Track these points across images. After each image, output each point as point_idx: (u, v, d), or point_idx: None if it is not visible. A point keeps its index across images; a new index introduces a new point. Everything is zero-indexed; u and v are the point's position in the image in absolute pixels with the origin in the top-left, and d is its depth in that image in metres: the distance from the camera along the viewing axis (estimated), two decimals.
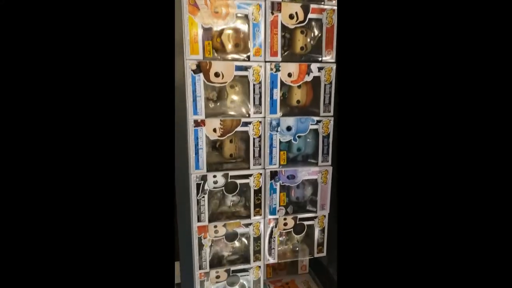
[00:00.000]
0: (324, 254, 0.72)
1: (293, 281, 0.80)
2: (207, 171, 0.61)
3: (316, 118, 0.64)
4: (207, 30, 0.57)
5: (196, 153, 0.60)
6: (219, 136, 0.61)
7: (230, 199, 0.66)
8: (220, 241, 0.68)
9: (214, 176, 0.61)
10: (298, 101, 0.65)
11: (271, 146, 0.64)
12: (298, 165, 0.68)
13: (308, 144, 0.68)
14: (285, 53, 0.63)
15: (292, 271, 0.85)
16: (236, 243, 0.68)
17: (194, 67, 0.56)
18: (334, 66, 0.63)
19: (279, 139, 0.64)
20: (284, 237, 0.73)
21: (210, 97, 0.62)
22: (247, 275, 0.68)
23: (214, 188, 0.62)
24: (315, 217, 0.69)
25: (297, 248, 0.74)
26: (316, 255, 0.72)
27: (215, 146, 0.65)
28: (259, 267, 0.68)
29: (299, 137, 0.65)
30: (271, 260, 0.69)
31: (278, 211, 0.67)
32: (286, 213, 0.68)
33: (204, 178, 0.61)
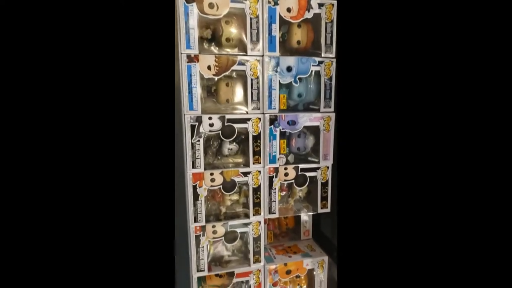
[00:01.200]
0: (328, 209, 0.68)
1: (295, 245, 0.76)
2: (202, 113, 0.57)
3: (317, 59, 0.61)
4: None
5: (190, 92, 0.56)
6: (214, 75, 0.57)
7: (228, 147, 0.62)
8: (216, 193, 0.64)
9: (210, 118, 0.57)
10: (298, 42, 0.61)
11: (270, 88, 0.60)
12: (299, 110, 0.64)
13: (309, 90, 0.64)
14: None
15: (294, 237, 0.81)
16: (234, 196, 0.64)
17: None
18: (335, 3, 0.60)
19: (279, 81, 0.60)
20: (285, 192, 0.68)
21: (204, 35, 0.58)
22: (246, 231, 0.64)
23: (210, 132, 0.58)
24: (318, 168, 0.65)
25: (299, 207, 0.69)
26: (320, 211, 0.67)
27: (210, 91, 0.62)
28: (259, 222, 0.64)
29: (300, 80, 0.61)
30: (272, 215, 0.64)
31: (278, 159, 0.63)
32: (287, 162, 0.64)
33: (198, 119, 0.57)
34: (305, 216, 0.79)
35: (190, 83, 0.55)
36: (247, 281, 0.66)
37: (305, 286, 0.73)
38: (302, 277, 0.72)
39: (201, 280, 0.63)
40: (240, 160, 0.64)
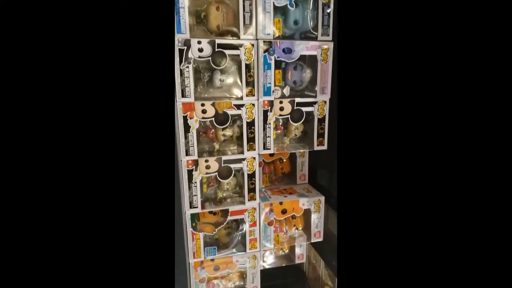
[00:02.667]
0: (325, 147, 0.65)
1: (291, 188, 0.74)
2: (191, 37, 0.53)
3: None
4: None
5: (177, 13, 0.52)
6: None
7: (219, 77, 0.58)
8: (209, 128, 0.61)
9: (199, 43, 0.53)
10: None
11: (264, 10, 0.55)
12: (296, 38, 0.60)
13: (306, 17, 0.59)
14: None
15: (290, 183, 0.79)
16: (228, 131, 0.61)
17: None
18: None
19: (273, 2, 0.55)
20: (280, 130, 0.66)
21: None
22: (241, 167, 0.62)
23: (200, 57, 0.54)
24: (315, 103, 0.62)
25: (295, 146, 0.67)
26: (316, 148, 0.65)
27: (199, 17, 0.57)
28: (254, 158, 0.62)
29: (296, 4, 0.57)
30: (266, 151, 0.62)
31: (273, 91, 0.59)
32: (282, 96, 0.61)
33: (187, 43, 0.53)
34: (301, 160, 0.77)
35: (177, 2, 0.51)
36: (242, 220, 0.65)
37: (300, 227, 0.72)
38: (298, 217, 0.71)
39: (194, 217, 0.62)
40: (232, 90, 0.60)
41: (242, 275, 0.72)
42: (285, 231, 0.71)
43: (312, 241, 0.71)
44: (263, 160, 0.75)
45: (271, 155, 0.75)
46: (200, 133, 0.61)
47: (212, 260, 0.66)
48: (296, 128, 0.65)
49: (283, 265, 0.82)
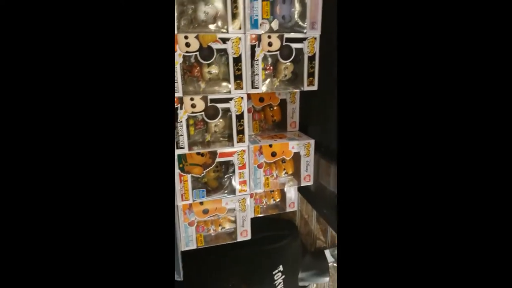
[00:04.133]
0: (315, 87, 0.64)
1: (282, 134, 0.73)
2: None
3: None
4: None
5: None
6: None
7: (203, 9, 0.55)
8: (194, 66, 0.58)
9: None
10: None
11: None
12: None
13: None
14: None
15: (281, 131, 0.78)
16: (213, 68, 0.59)
17: None
18: None
19: None
20: (269, 71, 0.64)
21: None
22: (228, 107, 0.60)
23: None
24: (305, 39, 0.60)
25: (285, 88, 0.65)
26: (306, 88, 0.63)
27: None
28: (242, 98, 0.60)
29: None
30: (255, 90, 0.60)
31: (260, 24, 0.56)
32: (270, 30, 0.58)
33: None
34: (292, 107, 0.75)
35: None
36: (231, 163, 0.64)
37: (291, 171, 0.72)
38: (288, 161, 0.70)
39: (181, 158, 0.61)
40: (217, 23, 0.57)
41: (233, 221, 0.72)
42: (275, 175, 0.71)
43: (302, 184, 0.71)
44: (252, 106, 0.73)
45: (261, 100, 0.73)
46: (185, 71, 0.58)
47: (201, 203, 0.65)
48: (286, 67, 0.63)
49: (274, 213, 0.83)
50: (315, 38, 0.60)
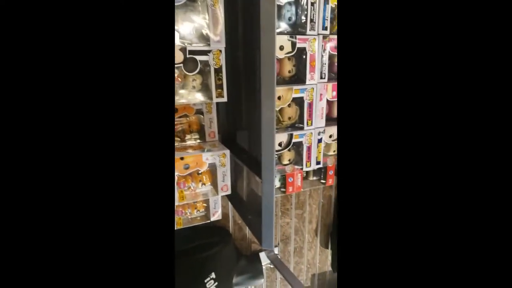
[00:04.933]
0: (224, 99, 0.64)
1: (199, 145, 0.73)
2: None
3: None
4: None
5: None
6: None
7: None
8: None
9: None
10: None
11: None
12: None
13: None
14: None
15: (200, 140, 0.77)
16: None
17: None
18: None
19: None
20: (177, 82, 0.63)
21: None
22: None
23: None
24: (209, 51, 0.60)
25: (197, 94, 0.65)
26: (215, 100, 0.63)
27: None
28: (220, 51, 0.58)
29: None
30: None
31: None
32: None
33: None
34: (209, 116, 0.75)
35: None
36: None
37: (208, 182, 0.72)
38: (204, 172, 0.70)
39: None
40: None
41: None
42: (192, 187, 0.70)
43: (220, 194, 0.71)
44: None
45: (175, 111, 0.72)
46: None
47: None
48: (194, 79, 0.63)
49: (200, 223, 0.82)
50: (220, 51, 0.61)
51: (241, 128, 0.89)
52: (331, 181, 1.01)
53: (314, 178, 1.01)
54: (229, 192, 0.72)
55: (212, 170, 0.70)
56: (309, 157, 0.79)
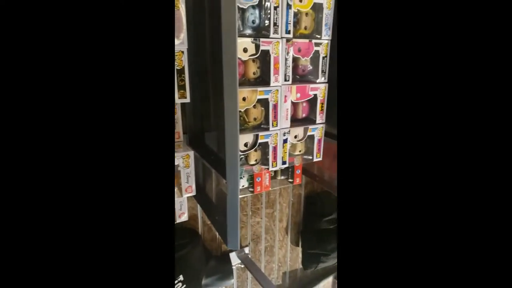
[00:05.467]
0: (187, 99, 0.64)
1: None
2: None
3: None
4: None
5: None
6: None
7: None
8: None
9: None
10: None
11: None
12: None
13: None
14: None
15: None
16: None
17: None
18: None
19: None
20: None
21: None
22: None
23: None
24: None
25: None
26: (178, 101, 0.63)
27: None
28: (182, 52, 0.57)
29: None
30: None
31: None
32: None
33: None
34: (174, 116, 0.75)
35: None
36: None
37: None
38: None
39: None
40: None
41: None
42: None
43: (184, 196, 0.71)
44: None
45: None
46: None
47: None
48: None
49: None
50: (183, 52, 0.61)
51: (209, 129, 0.89)
52: (298, 180, 1.04)
53: (282, 177, 1.03)
54: (193, 193, 0.72)
55: (176, 171, 0.70)
56: (275, 157, 0.81)
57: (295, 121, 0.84)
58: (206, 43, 0.75)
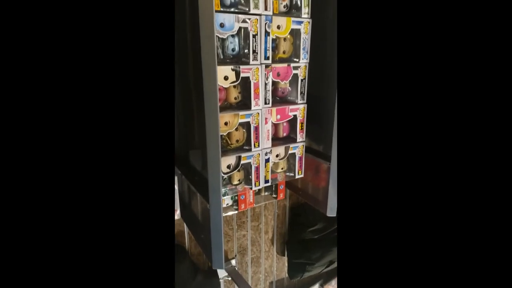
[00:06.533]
0: None
1: None
2: None
3: None
4: None
5: None
6: None
7: None
8: None
9: None
10: None
11: None
12: None
13: None
14: None
15: None
16: None
17: None
18: None
19: None
20: None
21: None
22: None
23: None
24: None
25: None
26: None
27: None
28: None
29: None
30: None
31: None
32: None
33: None
34: None
35: None
36: None
37: None
38: None
39: None
40: None
41: None
42: None
43: None
44: None
45: None
46: None
47: None
48: None
49: None
50: None
51: (193, 147, 0.91)
52: (282, 195, 1.07)
53: (266, 193, 1.06)
54: (178, 217, 0.74)
55: None
56: (257, 177, 0.83)
57: (276, 140, 0.87)
58: (189, 68, 0.78)
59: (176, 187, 0.71)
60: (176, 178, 0.71)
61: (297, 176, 0.92)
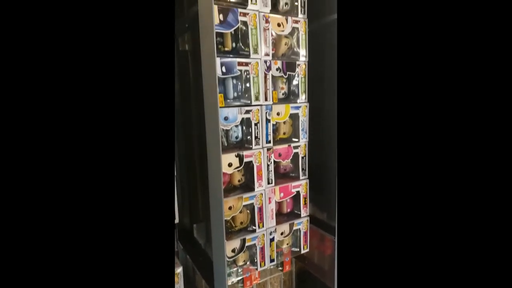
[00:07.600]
0: None
1: None
2: None
3: None
4: None
5: None
6: None
7: None
8: None
9: None
10: None
11: None
12: None
13: None
14: None
15: None
16: None
17: None
18: None
19: None
20: None
21: None
22: None
23: None
24: None
25: None
26: None
27: None
28: None
29: None
30: None
31: None
32: None
33: None
34: None
35: None
36: None
37: None
38: None
39: None
40: None
41: None
42: None
43: None
44: None
45: None
46: None
47: None
48: None
49: None
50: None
51: (197, 221, 0.91)
52: (288, 267, 1.04)
53: (272, 266, 1.03)
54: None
55: None
56: (262, 257, 0.82)
57: (280, 215, 0.88)
58: (194, 155, 0.81)
59: (181, 283, 0.70)
60: (181, 275, 0.70)
61: (302, 251, 0.91)
